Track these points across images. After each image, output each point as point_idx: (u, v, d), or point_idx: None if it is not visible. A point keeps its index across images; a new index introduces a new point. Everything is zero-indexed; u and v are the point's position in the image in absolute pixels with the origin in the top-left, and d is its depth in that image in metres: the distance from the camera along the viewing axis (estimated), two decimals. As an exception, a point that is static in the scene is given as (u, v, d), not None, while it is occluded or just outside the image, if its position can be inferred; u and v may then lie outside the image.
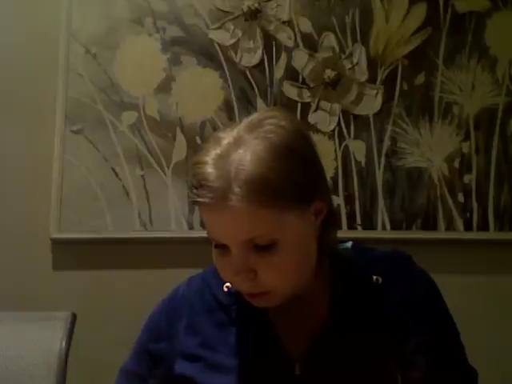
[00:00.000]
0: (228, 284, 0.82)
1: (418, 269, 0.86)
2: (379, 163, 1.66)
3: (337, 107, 1.66)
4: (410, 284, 0.83)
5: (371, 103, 1.67)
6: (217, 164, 0.72)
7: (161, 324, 0.85)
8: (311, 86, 1.66)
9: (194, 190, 0.73)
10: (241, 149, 0.72)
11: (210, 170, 0.72)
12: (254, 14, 1.67)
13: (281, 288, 0.74)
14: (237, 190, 0.70)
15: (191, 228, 1.60)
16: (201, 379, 0.78)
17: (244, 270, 0.72)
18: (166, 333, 0.84)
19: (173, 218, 1.60)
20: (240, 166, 0.71)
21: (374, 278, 0.81)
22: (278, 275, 0.73)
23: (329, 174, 1.60)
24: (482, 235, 1.66)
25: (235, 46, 1.66)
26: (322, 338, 0.78)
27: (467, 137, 1.69)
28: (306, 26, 1.68)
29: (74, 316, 1.20)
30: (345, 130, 1.66)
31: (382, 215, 1.64)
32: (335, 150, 1.65)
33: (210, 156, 0.73)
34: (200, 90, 1.64)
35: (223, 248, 0.74)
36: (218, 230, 0.74)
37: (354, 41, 1.68)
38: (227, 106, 1.64)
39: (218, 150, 0.73)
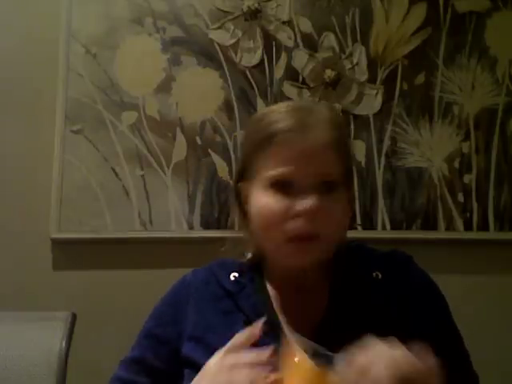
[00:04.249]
0: (235, 274, 0.85)
1: (419, 268, 0.88)
2: (379, 163, 1.66)
3: (337, 107, 1.66)
4: (410, 280, 0.84)
5: (371, 103, 1.67)
6: (296, 106, 0.82)
7: (167, 310, 0.87)
8: (311, 86, 1.66)
9: (274, 125, 0.79)
10: (312, 103, 0.81)
11: (289, 109, 0.81)
12: (254, 14, 1.67)
13: (328, 237, 0.78)
14: (320, 121, 0.79)
15: (191, 228, 1.60)
16: (205, 363, 0.79)
17: (309, 208, 0.76)
18: (172, 318, 0.85)
19: (173, 218, 1.60)
20: (317, 108, 0.80)
21: (374, 274, 0.83)
22: (332, 222, 0.78)
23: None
24: (482, 235, 1.66)
25: (235, 46, 1.66)
26: (321, 329, 0.79)
27: (467, 137, 1.69)
28: (305, 26, 1.68)
29: (74, 316, 1.20)
30: (345, 130, 1.66)
31: (382, 215, 1.64)
32: (335, 150, 1.65)
33: (282, 107, 0.82)
34: (200, 90, 1.64)
35: (286, 188, 0.78)
36: (296, 161, 0.78)
37: (354, 41, 1.68)
38: (227, 106, 1.64)
39: (290, 104, 0.83)
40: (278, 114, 0.80)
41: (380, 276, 0.83)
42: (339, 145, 0.80)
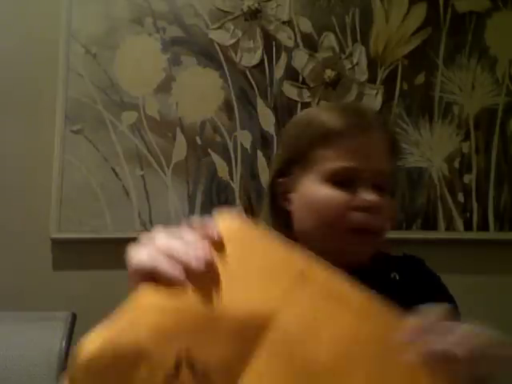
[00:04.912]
0: None
1: (431, 270, 0.91)
2: (379, 163, 1.66)
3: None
4: (423, 281, 0.87)
5: (371, 103, 1.67)
6: (350, 104, 0.86)
7: None
8: (311, 86, 1.66)
9: (336, 121, 0.81)
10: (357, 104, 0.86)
11: (344, 107, 0.84)
12: (254, 14, 1.67)
13: (383, 235, 0.80)
14: (379, 124, 0.82)
15: (191, 228, 1.60)
16: None
17: (374, 202, 0.77)
18: None
19: (173, 218, 1.60)
20: (371, 111, 0.85)
21: (392, 274, 0.86)
22: (387, 221, 0.79)
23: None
24: (482, 235, 1.66)
25: (235, 46, 1.66)
26: None
27: (467, 137, 1.69)
28: (305, 25, 1.68)
29: (74, 316, 1.20)
30: (345, 130, 1.66)
31: (381, 215, 1.64)
32: (335, 150, 1.65)
33: (334, 106, 0.87)
34: (200, 90, 1.64)
35: (346, 182, 0.79)
36: (360, 156, 0.80)
37: (354, 41, 1.68)
38: (227, 106, 1.64)
39: (342, 102, 0.87)
40: (334, 112, 0.82)
41: (397, 277, 0.85)
42: (395, 146, 0.84)
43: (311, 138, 0.82)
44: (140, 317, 0.62)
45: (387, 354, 0.58)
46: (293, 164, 0.84)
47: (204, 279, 0.60)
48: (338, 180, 0.79)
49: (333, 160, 0.80)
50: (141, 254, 0.62)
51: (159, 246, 0.62)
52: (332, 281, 0.61)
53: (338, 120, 0.81)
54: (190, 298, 0.60)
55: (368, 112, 0.84)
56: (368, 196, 0.77)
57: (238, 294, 0.60)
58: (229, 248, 0.62)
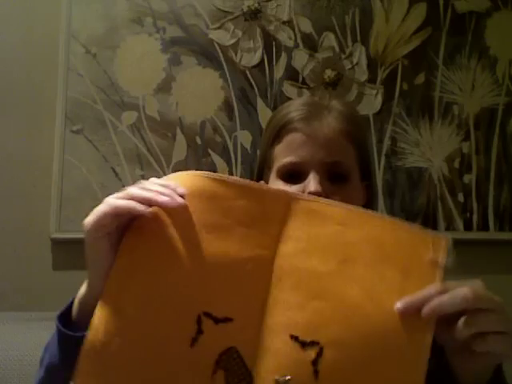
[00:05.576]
0: None
1: None
2: (379, 163, 1.66)
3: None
4: None
5: (371, 103, 1.67)
6: (310, 99, 0.85)
7: None
8: (311, 86, 1.66)
9: (288, 116, 0.81)
10: (327, 98, 0.84)
11: (304, 100, 0.83)
12: (254, 14, 1.67)
13: None
14: (333, 112, 0.81)
15: (191, 228, 1.60)
16: None
17: (313, 192, 0.76)
18: None
19: (173, 217, 1.60)
20: (331, 102, 0.82)
21: None
22: None
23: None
24: (482, 235, 1.67)
25: (235, 46, 1.66)
26: None
27: (467, 137, 1.69)
28: (306, 25, 1.68)
29: (74, 316, 1.19)
30: (345, 130, 1.66)
31: (382, 215, 1.64)
32: (335, 150, 1.65)
33: (299, 100, 0.84)
34: (200, 90, 1.64)
35: (297, 177, 0.79)
36: (305, 149, 0.78)
37: (354, 41, 1.69)
38: (227, 106, 1.64)
39: (305, 98, 0.85)
40: (292, 106, 0.82)
41: None
42: (352, 136, 0.81)
43: (269, 137, 0.84)
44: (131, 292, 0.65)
45: (381, 253, 0.68)
46: (263, 165, 0.87)
47: (178, 232, 0.63)
48: (286, 176, 0.80)
49: (282, 156, 0.81)
50: (100, 211, 0.64)
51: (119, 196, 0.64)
52: (314, 205, 0.67)
53: (288, 116, 0.81)
54: (176, 259, 0.64)
55: (324, 104, 0.83)
56: (311, 187, 0.77)
57: (229, 243, 0.64)
58: (196, 203, 0.64)
